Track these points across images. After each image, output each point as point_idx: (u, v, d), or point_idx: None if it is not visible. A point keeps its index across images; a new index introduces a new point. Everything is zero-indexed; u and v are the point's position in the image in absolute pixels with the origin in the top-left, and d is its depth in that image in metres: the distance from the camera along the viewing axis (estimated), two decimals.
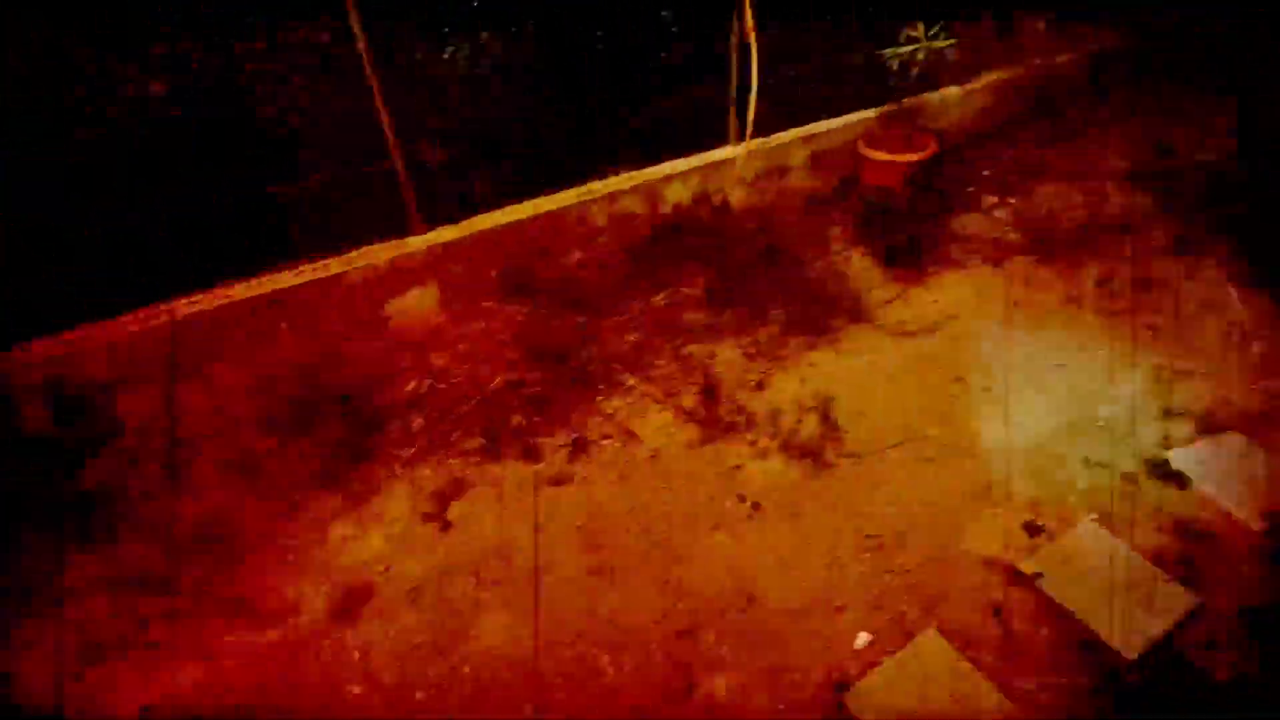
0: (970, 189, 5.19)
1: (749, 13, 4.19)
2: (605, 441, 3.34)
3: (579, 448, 3.30)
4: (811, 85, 5.00)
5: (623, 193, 4.36)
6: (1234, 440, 3.14)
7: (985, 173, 5.41)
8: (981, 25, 5.62)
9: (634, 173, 4.44)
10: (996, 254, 4.54)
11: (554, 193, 4.24)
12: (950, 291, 4.23)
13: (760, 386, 3.60)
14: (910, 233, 4.49)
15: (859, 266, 4.48)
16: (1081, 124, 5.98)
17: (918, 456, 3.19)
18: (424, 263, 3.89)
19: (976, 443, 3.24)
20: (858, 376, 3.64)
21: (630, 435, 3.37)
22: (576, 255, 4.32)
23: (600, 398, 3.57)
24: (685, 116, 4.56)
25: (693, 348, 3.87)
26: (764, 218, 4.91)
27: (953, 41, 4.74)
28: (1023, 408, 3.40)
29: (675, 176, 4.53)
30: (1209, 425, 3.22)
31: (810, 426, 3.34)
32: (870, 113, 5.26)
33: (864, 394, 3.52)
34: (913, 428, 3.32)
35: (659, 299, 4.16)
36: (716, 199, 4.73)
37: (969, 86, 5.64)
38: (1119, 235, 4.60)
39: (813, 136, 5.03)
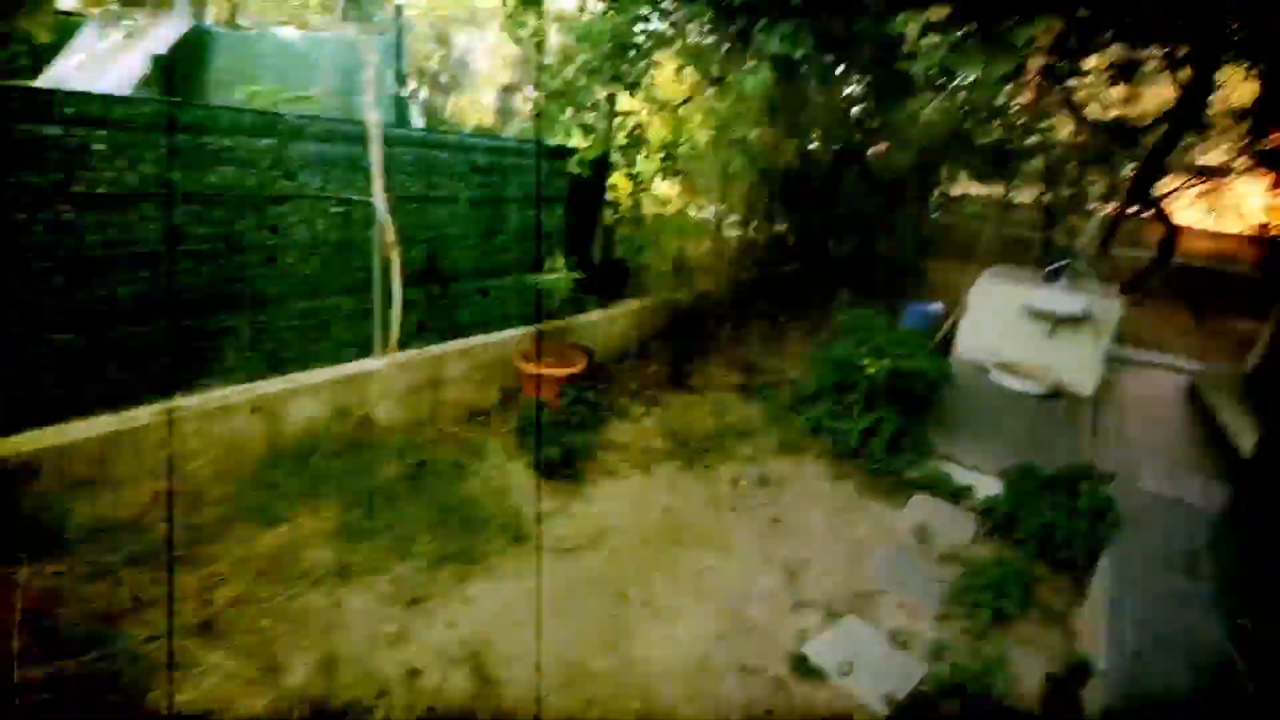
0: (621, 400, 5.58)
1: (390, 229, 4.12)
2: None
3: None
4: (468, 302, 5.06)
5: (232, 408, 3.61)
6: (851, 624, 3.42)
7: (632, 385, 5.92)
8: (616, 266, 6.52)
9: (249, 385, 3.75)
10: (647, 460, 4.78)
11: (123, 409, 3.30)
12: (608, 502, 4.22)
13: (399, 639, 2.94)
14: (568, 444, 4.50)
15: (519, 480, 4.28)
16: (703, 347, 7.10)
17: (583, 699, 2.80)
18: None
19: (643, 669, 2.99)
20: (517, 608, 3.22)
21: None
22: (149, 488, 3.32)
23: (154, 693, 2.51)
24: (321, 325, 4.13)
25: (313, 597, 3.08)
26: (416, 433, 4.52)
27: (585, 275, 5.31)
28: (682, 620, 3.31)
29: (306, 390, 3.95)
30: (831, 611, 3.49)
31: (458, 684, 2.75)
32: (527, 330, 5.49)
33: (524, 629, 3.10)
34: (577, 663, 2.96)
35: (269, 537, 3.33)
36: (359, 414, 4.23)
37: (611, 312, 6.34)
38: (741, 439, 5.26)
39: (470, 350, 4.98)
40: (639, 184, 6.17)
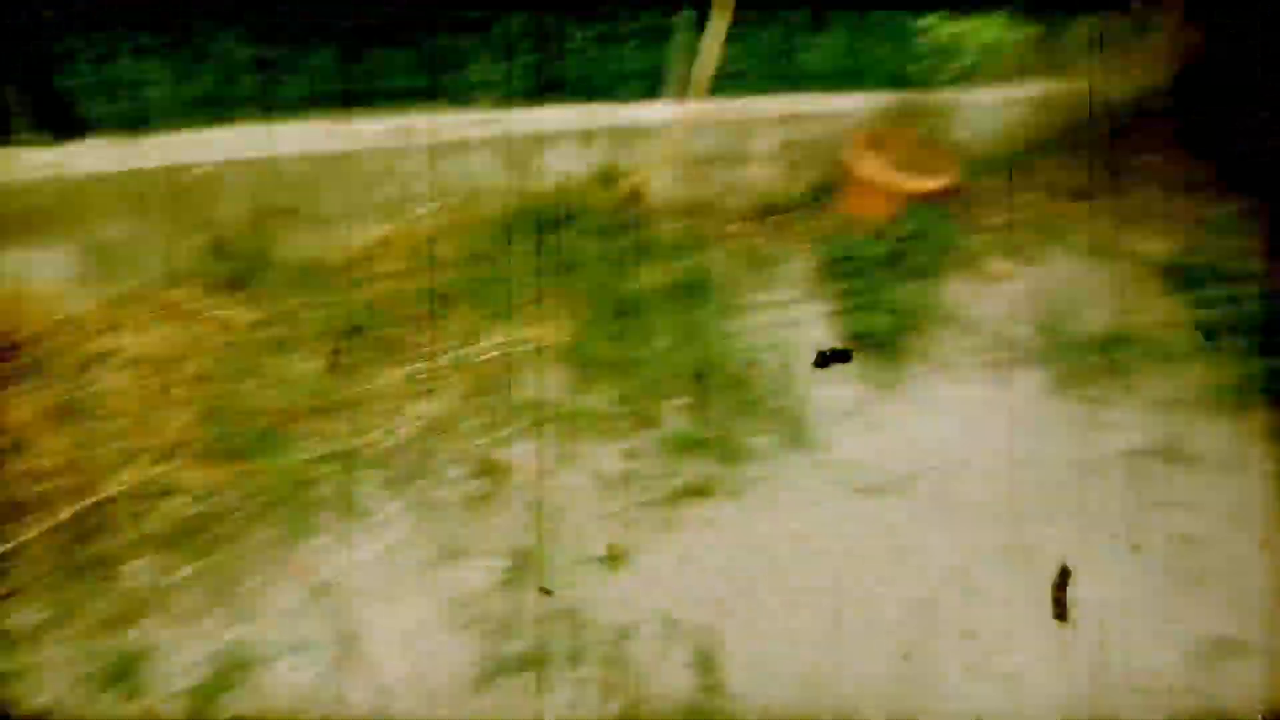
0: (976, 243, 3.76)
1: None
2: None
3: None
4: (811, 44, 3.30)
5: (470, 144, 2.59)
6: None
7: (997, 221, 3.98)
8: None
9: (492, 115, 2.66)
10: (1001, 358, 3.18)
11: (337, 115, 2.40)
12: (933, 417, 2.83)
13: (613, 562, 2.10)
14: (890, 303, 3.03)
15: (812, 339, 3.00)
16: (1118, 175, 4.63)
17: None
18: (62, 199, 2.03)
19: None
20: (776, 565, 2.22)
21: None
22: (363, 231, 2.55)
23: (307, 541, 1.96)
24: (602, 39, 2.78)
25: (507, 457, 2.29)
26: (695, 225, 3.28)
27: (1036, 28, 3.14)
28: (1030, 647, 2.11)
29: (566, 135, 2.79)
30: None
31: (676, 676, 1.90)
32: (876, 98, 3.66)
33: (779, 608, 2.11)
34: (850, 684, 1.97)
35: (481, 339, 2.50)
36: (627, 184, 3.04)
37: (1007, 93, 4.10)
38: (1153, 362, 3.35)
39: (793, 117, 3.38)
40: None
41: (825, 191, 3.70)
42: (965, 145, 3.99)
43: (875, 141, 3.55)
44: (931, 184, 3.39)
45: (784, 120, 3.35)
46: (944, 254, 3.47)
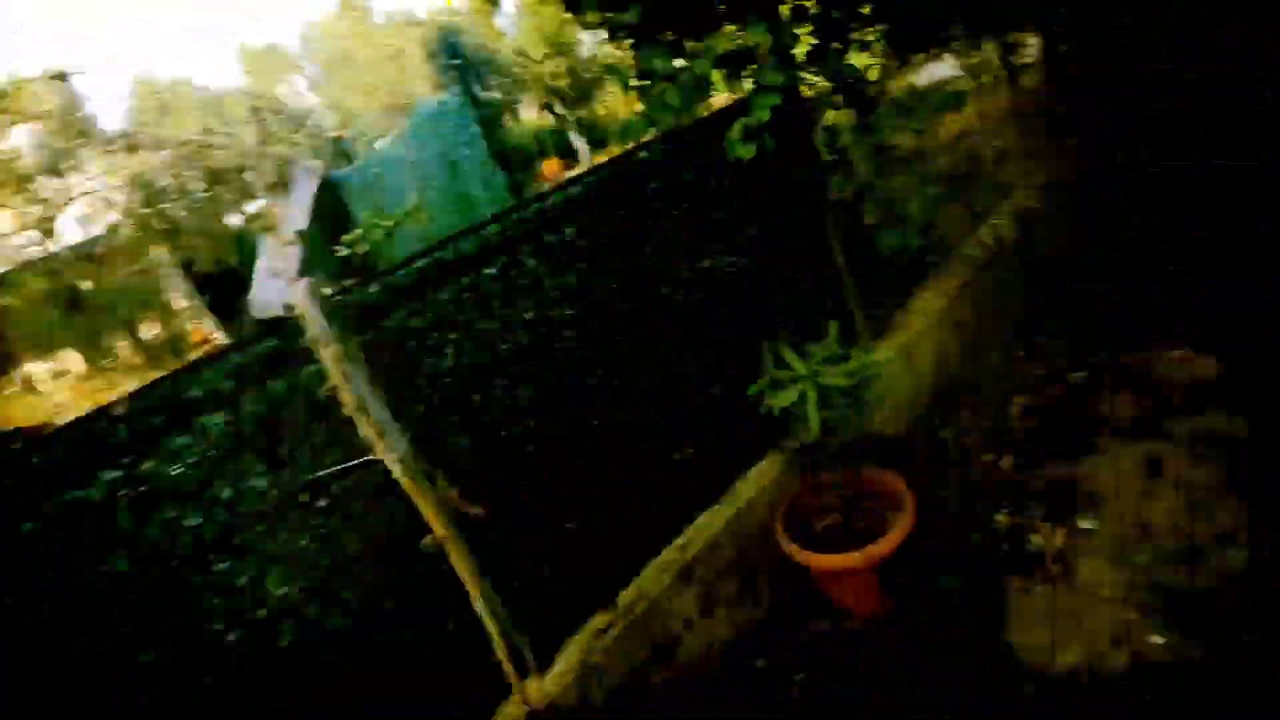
0: (987, 566, 2.81)
1: (435, 517, 1.97)
2: None
3: None
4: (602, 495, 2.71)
5: None
6: None
7: (995, 516, 3.02)
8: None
9: None
10: None
11: None
12: None
13: None
14: None
15: None
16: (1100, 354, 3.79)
17: None
18: None
19: None
20: None
21: None
22: None
23: None
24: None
25: None
26: None
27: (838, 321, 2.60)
28: None
29: None
30: None
31: None
32: (770, 465, 3.00)
33: None
34: None
35: None
36: None
37: (888, 350, 3.45)
38: None
39: (691, 565, 2.69)
40: (870, 116, 3.13)
41: (777, 591, 2.89)
42: (897, 425, 3.29)
43: (801, 506, 2.85)
44: (883, 548, 2.57)
45: (684, 578, 2.66)
46: (972, 614, 2.53)
